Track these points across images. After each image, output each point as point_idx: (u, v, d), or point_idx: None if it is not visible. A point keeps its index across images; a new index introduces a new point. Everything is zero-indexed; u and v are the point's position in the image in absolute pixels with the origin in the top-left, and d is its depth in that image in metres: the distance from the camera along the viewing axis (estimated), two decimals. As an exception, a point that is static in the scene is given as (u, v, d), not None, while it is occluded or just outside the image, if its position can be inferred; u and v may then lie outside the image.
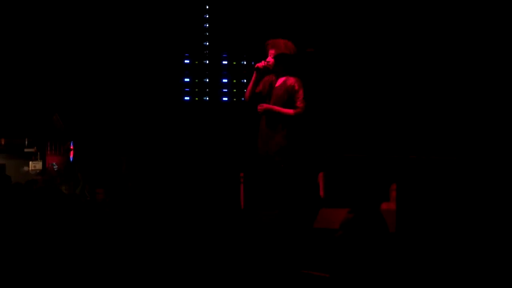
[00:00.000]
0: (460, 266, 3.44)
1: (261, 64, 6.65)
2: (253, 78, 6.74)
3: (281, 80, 6.70)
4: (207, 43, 11.04)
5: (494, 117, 7.36)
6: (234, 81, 11.03)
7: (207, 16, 10.99)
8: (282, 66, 6.66)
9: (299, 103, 6.46)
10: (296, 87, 6.52)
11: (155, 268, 2.53)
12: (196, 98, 11.04)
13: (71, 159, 9.08)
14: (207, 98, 11.05)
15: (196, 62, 11.05)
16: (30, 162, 9.30)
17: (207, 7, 10.96)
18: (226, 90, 11.05)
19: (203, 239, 2.55)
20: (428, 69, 8.57)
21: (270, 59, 6.65)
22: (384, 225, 3.05)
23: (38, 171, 9.36)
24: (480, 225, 3.56)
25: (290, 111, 6.48)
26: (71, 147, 9.17)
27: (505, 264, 3.38)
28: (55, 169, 6.94)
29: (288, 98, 6.53)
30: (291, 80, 6.60)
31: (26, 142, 9.37)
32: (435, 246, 3.64)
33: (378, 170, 7.86)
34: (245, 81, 10.65)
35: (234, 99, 10.95)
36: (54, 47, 10.13)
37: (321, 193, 8.07)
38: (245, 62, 10.86)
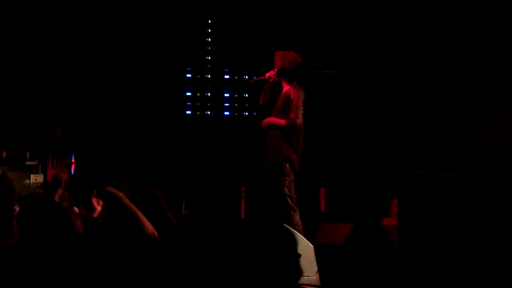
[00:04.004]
0: (462, 279, 3.43)
1: (267, 74, 6.68)
2: (263, 87, 6.78)
3: (283, 91, 6.72)
4: (209, 57, 11.06)
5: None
6: (236, 95, 11.03)
7: (209, 30, 11.01)
8: (284, 79, 6.68)
9: (292, 114, 6.41)
10: (291, 97, 6.48)
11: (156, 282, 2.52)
12: (198, 112, 11.04)
13: (72, 172, 9.07)
14: (209, 112, 11.06)
15: (198, 76, 11.06)
16: (32, 175, 9.29)
17: (209, 21, 10.99)
18: (227, 104, 11.05)
19: (204, 252, 2.54)
20: (427, 87, 8.57)
21: (274, 71, 6.69)
22: (388, 241, 3.04)
23: (39, 184, 9.34)
24: (482, 239, 3.52)
25: (281, 122, 6.44)
26: (73, 160, 9.17)
27: (507, 279, 3.37)
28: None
29: (285, 108, 6.51)
30: (290, 91, 6.59)
31: (28, 155, 9.36)
32: (437, 261, 3.62)
33: (379, 186, 7.85)
34: (247, 95, 10.66)
35: (236, 114, 10.96)
36: (56, 60, 10.15)
37: (322, 207, 8.05)
38: (247, 77, 10.87)
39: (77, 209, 6.20)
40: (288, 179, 6.44)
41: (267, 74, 6.74)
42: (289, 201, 6.41)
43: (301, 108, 6.45)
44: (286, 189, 6.43)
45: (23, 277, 2.75)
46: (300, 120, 6.44)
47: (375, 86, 8.86)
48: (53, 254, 2.84)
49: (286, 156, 6.49)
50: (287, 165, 6.47)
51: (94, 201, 6.35)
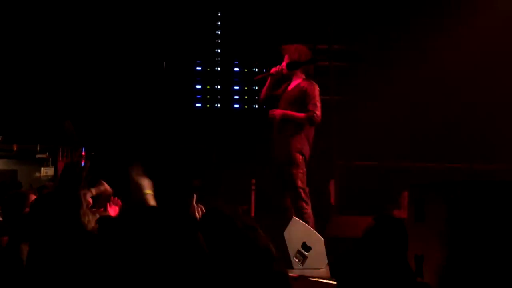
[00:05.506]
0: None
1: (274, 70, 6.66)
2: (267, 81, 6.76)
3: (293, 84, 6.71)
4: (219, 50, 11.04)
5: None
6: (246, 88, 11.02)
7: (219, 23, 11.00)
8: (295, 71, 6.67)
9: (311, 107, 6.43)
10: (308, 91, 6.50)
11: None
12: (208, 105, 11.03)
13: (82, 165, 9.08)
14: (219, 105, 11.05)
15: (208, 69, 11.05)
16: (42, 168, 9.31)
17: (219, 14, 10.98)
18: (237, 97, 11.04)
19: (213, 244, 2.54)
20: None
21: (284, 64, 6.66)
22: (406, 235, 3.03)
23: (50, 177, 9.36)
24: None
25: (301, 115, 6.45)
26: (83, 153, 9.19)
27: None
28: None
29: (300, 102, 6.51)
30: (304, 84, 6.59)
31: (38, 148, 9.38)
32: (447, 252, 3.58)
33: (390, 178, 7.82)
34: (256, 88, 10.64)
35: (246, 106, 10.95)
36: (66, 53, 10.17)
37: (332, 200, 8.05)
38: (256, 69, 10.86)
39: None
40: (301, 171, 6.46)
41: (273, 70, 6.72)
42: (302, 193, 6.43)
43: (319, 101, 6.50)
44: (300, 181, 6.45)
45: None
46: (319, 113, 6.49)
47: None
48: (65, 247, 2.84)
49: (300, 149, 6.51)
50: (301, 157, 6.49)
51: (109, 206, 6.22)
